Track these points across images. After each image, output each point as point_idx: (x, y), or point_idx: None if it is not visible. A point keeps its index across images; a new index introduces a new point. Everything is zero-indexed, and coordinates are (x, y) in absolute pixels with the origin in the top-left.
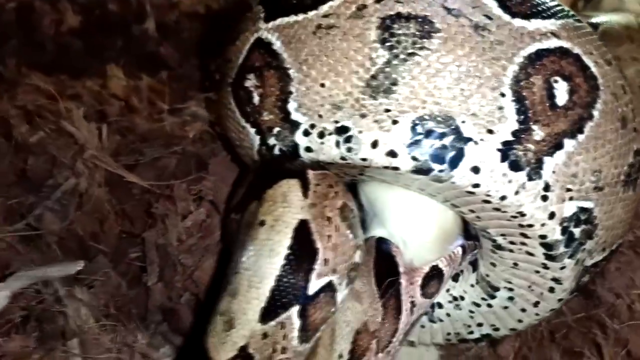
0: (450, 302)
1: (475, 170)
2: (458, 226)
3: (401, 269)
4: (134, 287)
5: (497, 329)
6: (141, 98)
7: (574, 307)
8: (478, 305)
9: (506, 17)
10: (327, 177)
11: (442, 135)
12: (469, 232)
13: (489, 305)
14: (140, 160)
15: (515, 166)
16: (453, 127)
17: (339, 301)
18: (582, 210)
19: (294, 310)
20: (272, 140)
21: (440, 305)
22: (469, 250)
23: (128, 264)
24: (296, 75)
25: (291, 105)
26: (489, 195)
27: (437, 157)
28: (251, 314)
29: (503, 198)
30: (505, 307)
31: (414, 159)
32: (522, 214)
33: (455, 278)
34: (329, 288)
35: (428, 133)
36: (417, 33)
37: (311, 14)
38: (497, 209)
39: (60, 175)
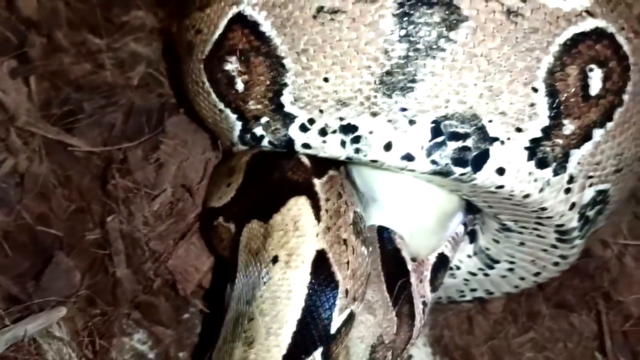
0: None
1: (501, 171)
2: (460, 205)
3: (409, 267)
4: (97, 274)
5: (491, 293)
6: (61, 25)
7: None
8: (474, 274)
9: None
10: (334, 182)
11: (465, 136)
12: (471, 207)
13: (486, 275)
14: (80, 117)
15: (541, 163)
16: (478, 126)
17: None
18: (599, 192)
19: (317, 353)
20: (259, 130)
21: None
22: (469, 224)
23: (87, 248)
24: (293, 67)
25: (285, 98)
26: (512, 195)
27: (459, 160)
28: None
29: (526, 196)
30: (504, 277)
31: (433, 162)
32: (544, 209)
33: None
34: (350, 318)
35: (450, 134)
36: (441, 22)
37: None
38: (518, 205)
39: None
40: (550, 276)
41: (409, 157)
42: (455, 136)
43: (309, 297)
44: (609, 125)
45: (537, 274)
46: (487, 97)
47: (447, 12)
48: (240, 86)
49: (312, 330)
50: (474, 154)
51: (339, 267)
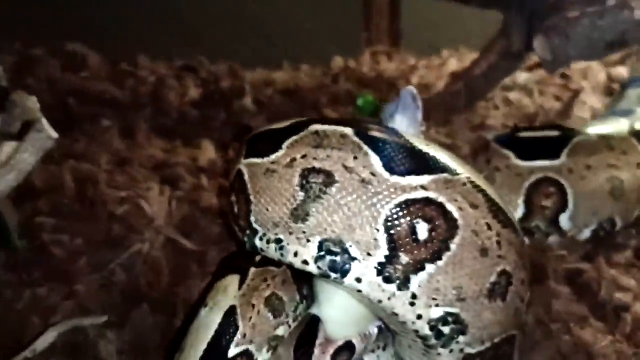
0: None
1: (358, 280)
2: (373, 312)
3: (318, 341)
4: (169, 326)
5: None
6: (214, 175)
7: None
8: None
9: (386, 175)
10: (267, 272)
11: (336, 253)
12: None
13: None
14: (196, 228)
15: (387, 280)
16: (344, 248)
17: None
18: (449, 314)
19: None
20: (245, 239)
21: None
22: (385, 330)
23: (168, 308)
24: (253, 200)
25: (252, 219)
26: (370, 299)
27: (333, 268)
28: None
29: (379, 301)
30: None
31: (318, 267)
32: (395, 314)
33: (384, 347)
34: (246, 354)
35: (328, 251)
36: (322, 182)
37: (265, 159)
38: (379, 308)
39: (133, 239)
40: None
41: (305, 262)
42: (331, 252)
43: (217, 331)
44: (440, 262)
45: None
46: (347, 230)
47: (326, 177)
48: (236, 210)
49: (215, 350)
50: (342, 266)
51: (242, 319)
